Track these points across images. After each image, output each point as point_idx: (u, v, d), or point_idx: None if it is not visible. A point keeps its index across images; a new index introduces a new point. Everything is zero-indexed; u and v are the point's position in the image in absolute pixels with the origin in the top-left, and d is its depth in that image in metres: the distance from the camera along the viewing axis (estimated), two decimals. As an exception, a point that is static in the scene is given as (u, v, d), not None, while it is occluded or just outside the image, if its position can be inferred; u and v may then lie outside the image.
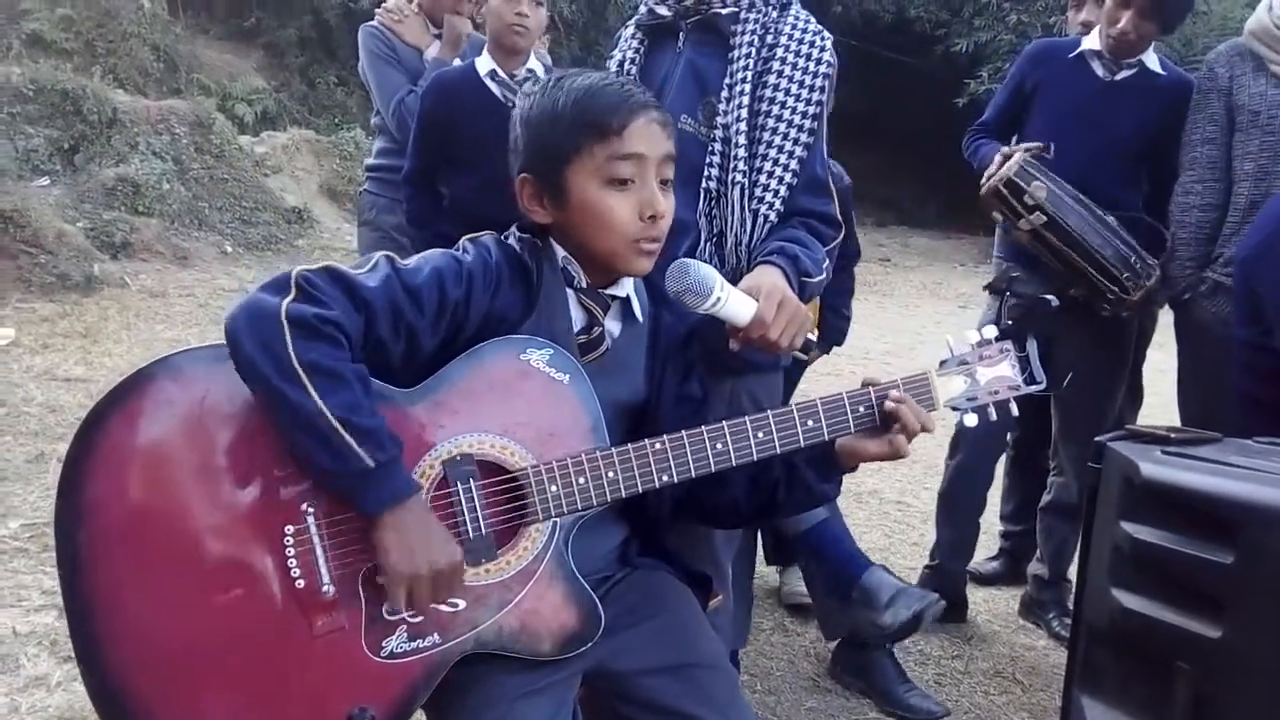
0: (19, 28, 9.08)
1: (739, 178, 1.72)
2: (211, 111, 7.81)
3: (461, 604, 1.24)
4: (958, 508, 2.87)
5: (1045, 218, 2.46)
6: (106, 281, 5.70)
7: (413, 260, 1.28)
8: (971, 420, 1.44)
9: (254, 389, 1.14)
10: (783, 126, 1.72)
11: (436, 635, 1.23)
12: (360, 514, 1.17)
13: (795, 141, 1.73)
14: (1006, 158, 2.53)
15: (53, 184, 6.56)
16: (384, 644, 1.20)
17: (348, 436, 1.12)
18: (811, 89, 1.74)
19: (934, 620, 2.36)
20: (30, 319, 5.03)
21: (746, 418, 1.32)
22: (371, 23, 3.24)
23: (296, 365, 1.11)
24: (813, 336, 1.51)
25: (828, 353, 2.85)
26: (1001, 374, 1.43)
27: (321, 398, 1.11)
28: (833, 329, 2.81)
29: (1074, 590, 2.21)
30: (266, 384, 1.12)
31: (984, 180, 2.58)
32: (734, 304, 1.42)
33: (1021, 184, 2.47)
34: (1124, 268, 2.46)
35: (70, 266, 5.51)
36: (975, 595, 2.96)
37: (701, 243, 1.76)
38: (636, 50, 1.84)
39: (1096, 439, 1.75)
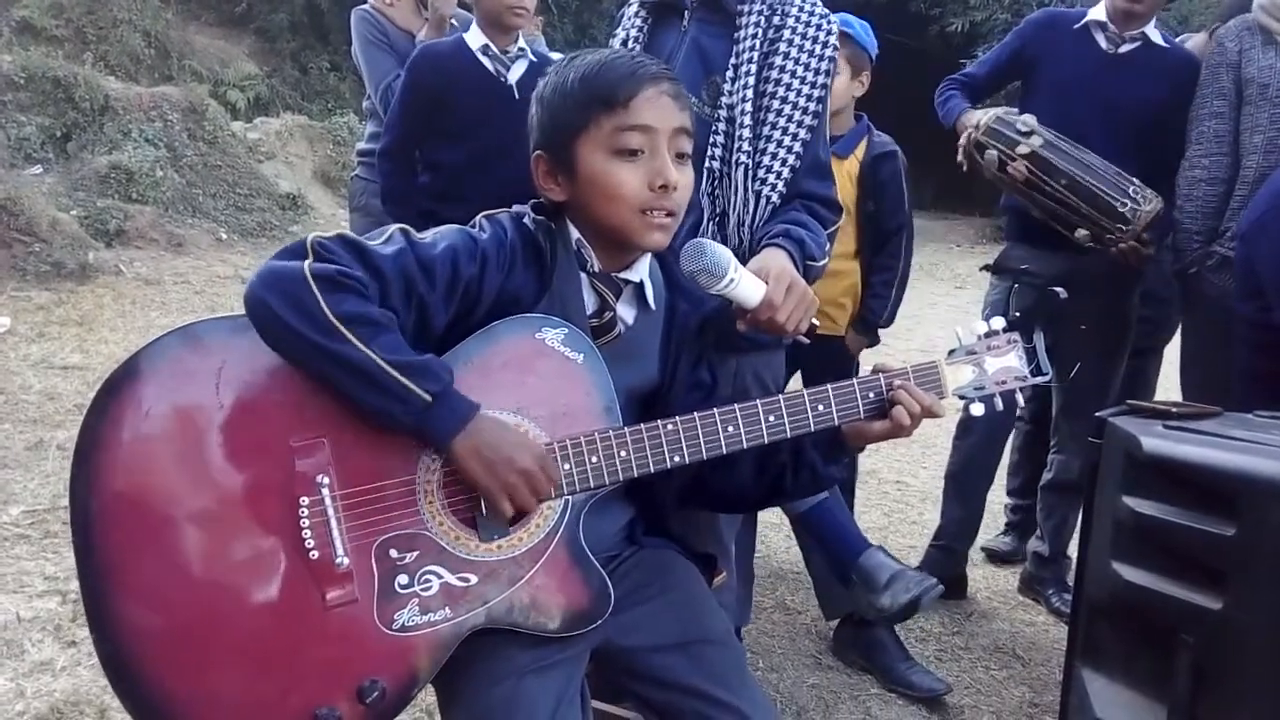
0: (9, 15, 9.03)
1: (743, 158, 1.72)
2: (204, 98, 7.77)
3: (474, 578, 1.24)
4: (967, 489, 2.88)
5: (1041, 140, 2.50)
6: (101, 269, 5.68)
7: (428, 234, 1.28)
8: (978, 410, 1.45)
9: (291, 350, 1.14)
10: (787, 108, 1.72)
11: (447, 609, 1.23)
12: (433, 445, 1.19)
13: (800, 124, 1.73)
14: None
15: (46, 172, 6.54)
16: (395, 617, 1.21)
17: (401, 377, 1.13)
18: (817, 71, 1.74)
19: (932, 602, 2.37)
20: (26, 307, 5.02)
21: (758, 401, 1.33)
22: (364, 6, 3.23)
23: (333, 319, 1.11)
24: (816, 321, 1.51)
25: (869, 334, 2.75)
26: (1009, 365, 1.44)
27: (366, 345, 1.12)
28: (869, 309, 2.71)
29: (1073, 566, 2.23)
30: (306, 342, 1.12)
31: (969, 131, 2.65)
32: (745, 286, 1.42)
33: (1006, 123, 2.55)
34: (1121, 196, 2.44)
35: (65, 255, 5.49)
36: (975, 573, 2.98)
37: (704, 222, 1.76)
38: (640, 29, 1.83)
39: (1098, 414, 1.76)
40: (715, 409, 1.31)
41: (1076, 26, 2.68)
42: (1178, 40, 2.88)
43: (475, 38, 2.67)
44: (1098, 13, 2.65)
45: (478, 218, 1.35)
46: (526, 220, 1.36)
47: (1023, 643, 2.69)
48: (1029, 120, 2.55)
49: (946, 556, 2.90)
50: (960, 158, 2.74)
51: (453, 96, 2.59)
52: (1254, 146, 2.40)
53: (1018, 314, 1.49)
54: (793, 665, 2.49)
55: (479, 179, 2.53)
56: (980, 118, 2.65)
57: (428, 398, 1.14)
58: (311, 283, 1.12)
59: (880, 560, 2.32)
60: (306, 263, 1.14)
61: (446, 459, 1.20)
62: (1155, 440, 1.62)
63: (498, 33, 2.66)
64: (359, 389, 1.14)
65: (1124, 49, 2.63)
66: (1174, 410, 1.75)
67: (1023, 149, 2.52)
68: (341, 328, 1.11)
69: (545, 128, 1.35)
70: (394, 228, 1.25)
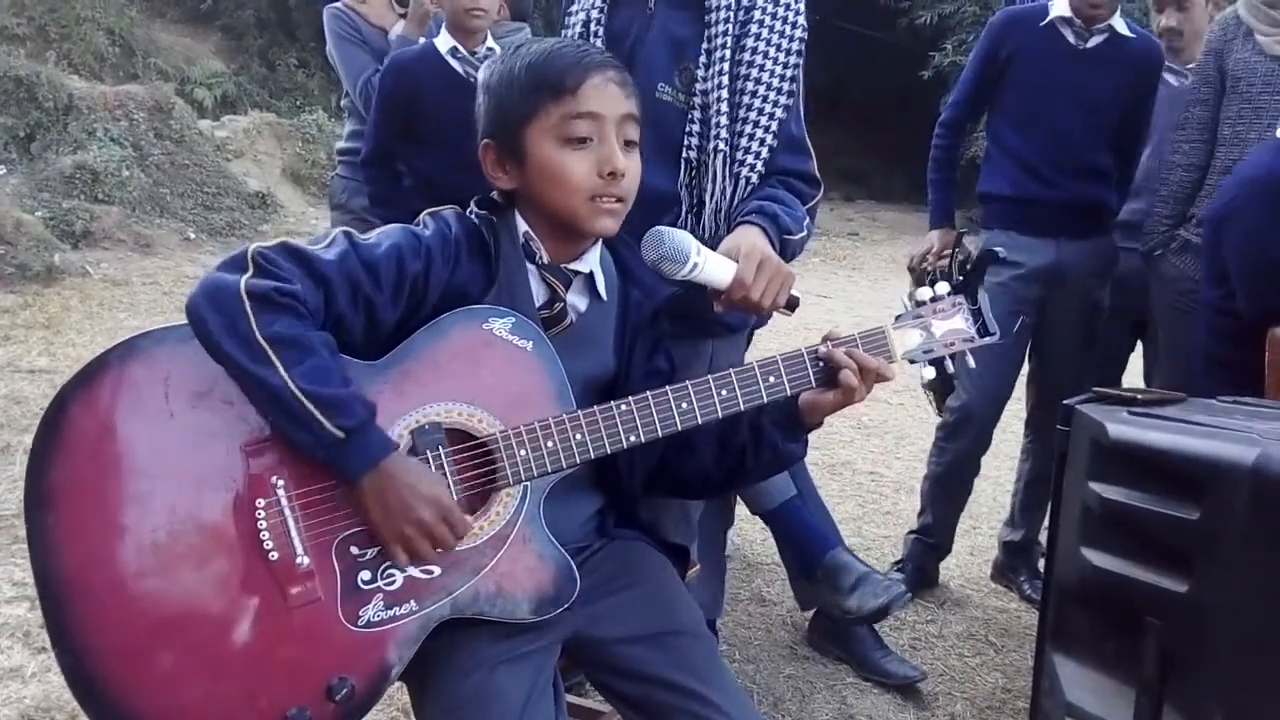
0: (-32, 14, 8.88)
1: (721, 145, 1.71)
2: (170, 96, 7.66)
3: (438, 570, 1.24)
4: (957, 490, 2.89)
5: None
6: (68, 271, 5.60)
7: (372, 235, 1.28)
8: (929, 373, 1.46)
9: (221, 365, 1.14)
10: (763, 89, 1.71)
11: (413, 603, 1.23)
12: (341, 482, 1.18)
13: (776, 104, 1.72)
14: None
15: (9, 173, 6.44)
16: (360, 613, 1.20)
17: (313, 409, 1.12)
18: (789, 51, 1.73)
19: (901, 608, 2.38)
20: (-10, 311, 4.95)
21: (709, 376, 1.33)
22: (336, 4, 3.21)
23: (261, 340, 1.11)
24: (797, 294, 1.51)
25: None
26: (955, 327, 1.45)
27: (287, 371, 1.11)
28: None
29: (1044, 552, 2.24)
30: (233, 362, 1.12)
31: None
32: (712, 267, 1.42)
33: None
34: None
35: (30, 257, 5.41)
36: (948, 561, 3.00)
37: (683, 214, 1.75)
38: (600, 9, 1.79)
39: (1064, 402, 1.78)
40: (668, 387, 1.32)
41: (1043, 23, 2.67)
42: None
43: (444, 41, 2.70)
44: (1061, 7, 2.66)
45: (422, 214, 1.36)
46: (470, 214, 1.37)
47: (996, 629, 2.71)
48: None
49: (932, 551, 2.91)
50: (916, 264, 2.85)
51: (425, 102, 2.62)
52: (1224, 138, 2.44)
53: (960, 277, 1.50)
54: (768, 656, 2.50)
55: (461, 180, 2.54)
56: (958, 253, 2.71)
57: (339, 434, 1.13)
58: (245, 301, 1.11)
59: (845, 561, 2.32)
60: (244, 277, 1.13)
61: (351, 493, 1.19)
62: (1120, 426, 1.63)
63: (463, 35, 2.70)
64: (274, 414, 1.14)
65: (1092, 42, 2.64)
66: (1139, 397, 1.77)
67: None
68: (268, 350, 1.11)
69: (492, 116, 1.36)
70: (337, 231, 1.26)
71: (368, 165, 2.75)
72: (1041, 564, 2.75)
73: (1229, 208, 2.10)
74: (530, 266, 1.36)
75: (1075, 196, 2.63)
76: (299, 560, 1.17)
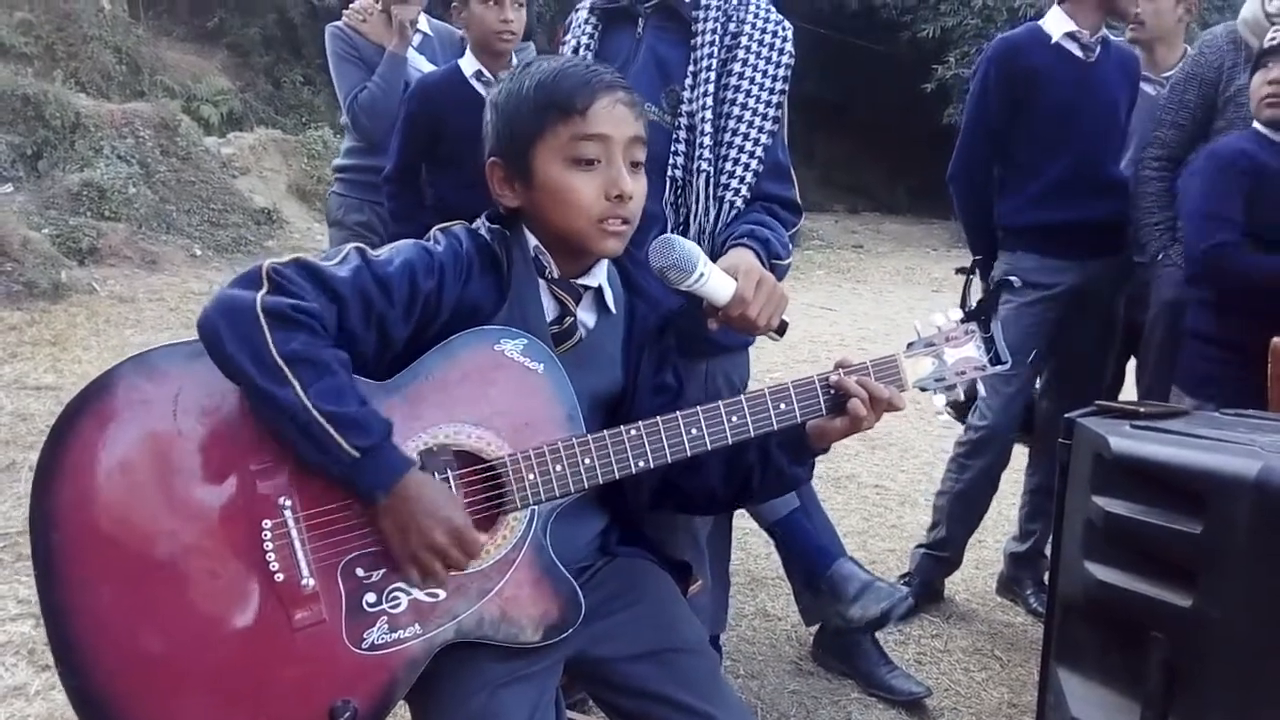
0: (-24, 33, 8.94)
1: (705, 165, 1.73)
2: (176, 113, 7.73)
3: (443, 593, 1.24)
4: (977, 505, 2.87)
5: None
6: (74, 288, 5.64)
7: (384, 251, 1.28)
8: (940, 401, 1.46)
9: (236, 382, 1.14)
10: (748, 114, 1.73)
11: (417, 625, 1.23)
12: (356, 500, 1.18)
13: (761, 129, 1.74)
14: None
15: (16, 191, 6.49)
16: (365, 635, 1.20)
17: (330, 429, 1.12)
18: (775, 78, 1.76)
19: (902, 613, 2.37)
20: (-2, 328, 4.97)
21: (720, 402, 1.33)
22: (336, 23, 3.24)
23: (278, 359, 1.11)
24: (787, 318, 1.52)
25: None
26: (967, 355, 1.45)
27: (304, 390, 1.11)
28: None
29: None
30: (249, 380, 1.12)
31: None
32: (715, 281, 1.43)
33: None
34: None
35: (37, 274, 5.44)
36: (953, 575, 2.99)
37: (667, 231, 1.77)
38: (591, 35, 1.83)
39: (1066, 415, 1.78)
40: (678, 412, 1.32)
41: (1052, 44, 2.60)
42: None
43: (469, 63, 2.71)
44: (1062, 24, 2.60)
45: (432, 230, 1.36)
46: (481, 230, 1.37)
47: (1001, 644, 2.70)
48: None
49: (943, 566, 2.91)
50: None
51: (449, 124, 2.63)
52: None
53: (974, 305, 1.51)
54: (773, 671, 2.49)
55: (478, 200, 2.58)
56: None
57: (355, 453, 1.13)
58: (262, 318, 1.11)
59: (850, 571, 2.32)
60: (260, 294, 1.13)
61: (369, 512, 1.19)
62: (1123, 440, 1.63)
63: (489, 57, 2.70)
64: (289, 432, 1.13)
65: (1096, 55, 2.61)
66: (1142, 410, 1.77)
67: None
68: (284, 368, 1.11)
69: (501, 134, 1.36)
70: (349, 247, 1.25)
71: (389, 182, 2.77)
72: (1047, 577, 2.75)
73: (1190, 169, 2.22)
74: (541, 281, 1.37)
75: (1098, 215, 2.62)
76: (304, 582, 1.17)
